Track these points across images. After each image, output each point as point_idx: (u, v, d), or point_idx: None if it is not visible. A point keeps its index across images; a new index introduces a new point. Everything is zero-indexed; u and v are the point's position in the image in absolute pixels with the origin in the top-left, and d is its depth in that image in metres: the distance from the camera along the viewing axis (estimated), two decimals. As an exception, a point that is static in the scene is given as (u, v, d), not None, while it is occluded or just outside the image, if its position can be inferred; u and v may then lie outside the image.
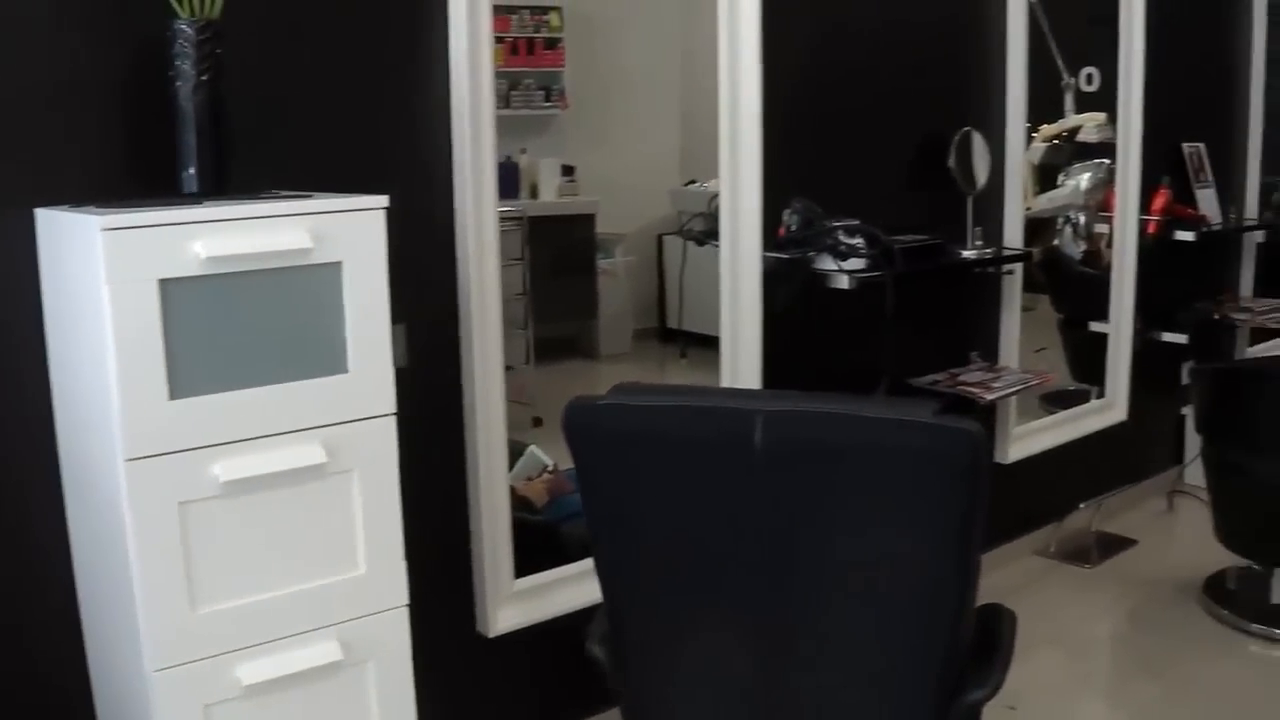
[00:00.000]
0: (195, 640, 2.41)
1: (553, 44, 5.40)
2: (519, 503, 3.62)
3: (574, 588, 3.51)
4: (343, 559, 2.58)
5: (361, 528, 2.59)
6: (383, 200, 2.52)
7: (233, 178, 2.59)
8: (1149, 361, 5.83)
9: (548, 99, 5.44)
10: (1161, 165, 5.75)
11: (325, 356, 2.49)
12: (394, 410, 2.60)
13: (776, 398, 2.52)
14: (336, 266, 2.47)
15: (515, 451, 3.82)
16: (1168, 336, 5.86)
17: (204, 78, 2.51)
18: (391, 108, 3.11)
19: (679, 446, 2.47)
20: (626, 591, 2.65)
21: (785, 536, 2.44)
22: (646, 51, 4.99)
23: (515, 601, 3.45)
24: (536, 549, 3.53)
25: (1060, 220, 5.87)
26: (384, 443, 2.59)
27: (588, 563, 3.25)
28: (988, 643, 2.68)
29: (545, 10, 5.37)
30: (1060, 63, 5.65)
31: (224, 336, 2.36)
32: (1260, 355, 6.62)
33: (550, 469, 3.81)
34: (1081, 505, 5.62)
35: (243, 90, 2.66)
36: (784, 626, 2.53)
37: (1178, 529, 5.94)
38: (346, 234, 2.47)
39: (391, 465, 2.61)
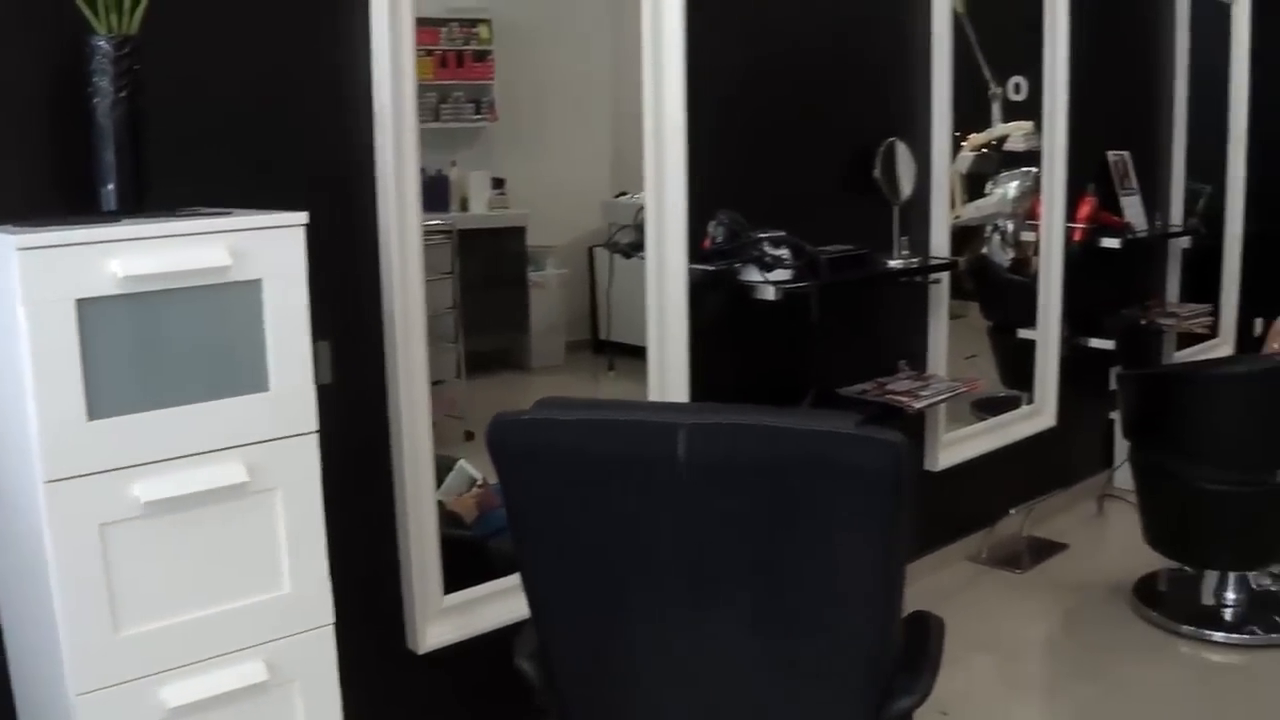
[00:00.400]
0: (118, 663, 2.39)
1: (482, 56, 5.37)
2: (448, 518, 3.61)
3: (504, 602, 3.49)
4: (267, 578, 2.56)
5: (285, 546, 2.57)
6: (302, 217, 2.50)
7: (153, 194, 2.57)
8: (1077, 367, 5.88)
9: (478, 111, 5.41)
10: (1087, 173, 5.80)
11: (246, 375, 2.47)
12: (316, 428, 2.58)
13: (700, 411, 2.52)
14: (256, 284, 2.45)
15: (445, 466, 3.81)
16: (1095, 343, 5.91)
17: (122, 94, 2.49)
18: (314, 122, 3.09)
19: (603, 461, 2.46)
20: (553, 607, 2.64)
21: (711, 549, 2.44)
22: (577, 63, 4.98)
23: (445, 617, 3.44)
24: (466, 564, 3.52)
25: (988, 228, 5.91)
26: (307, 460, 2.58)
27: (517, 577, 3.23)
28: (917, 650, 2.68)
29: (474, 23, 5.34)
30: (987, 72, 5.68)
31: (143, 356, 2.35)
32: (1187, 360, 6.69)
33: (479, 483, 3.80)
34: (1012, 511, 5.66)
35: (163, 106, 2.64)
36: (711, 640, 2.53)
37: (1108, 532, 5.99)
38: (266, 251, 2.46)
39: (314, 483, 2.59)
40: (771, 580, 2.46)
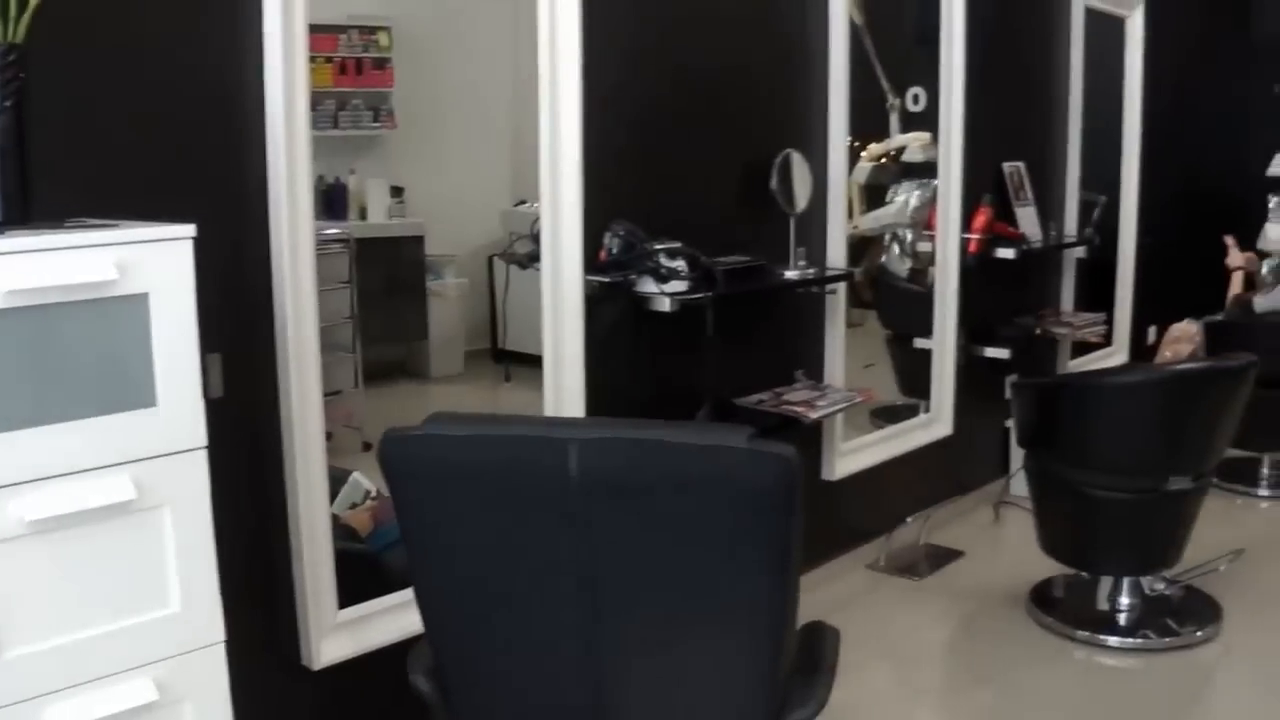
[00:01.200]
0: (2, 685, 2.34)
1: (381, 64, 5.34)
2: (343, 531, 3.58)
3: (400, 617, 3.45)
4: (155, 597, 2.52)
5: (174, 564, 2.52)
6: (189, 230, 2.46)
7: (38, 206, 2.52)
8: (973, 376, 5.94)
9: (376, 119, 5.38)
10: (983, 184, 5.86)
11: (133, 390, 2.42)
12: (205, 443, 2.54)
13: (593, 425, 2.53)
14: (143, 298, 2.41)
15: (341, 478, 3.78)
16: (991, 352, 5.97)
17: (7, 103, 2.44)
18: (204, 131, 3.05)
19: (495, 476, 2.45)
20: (447, 622, 2.63)
21: (604, 565, 2.44)
22: (477, 71, 4.96)
23: (340, 632, 3.40)
24: (362, 578, 3.49)
25: (887, 238, 5.96)
26: (195, 477, 2.53)
27: (409, 592, 3.21)
28: (811, 661, 2.70)
29: (374, 30, 5.31)
30: (885, 84, 5.73)
31: (26, 370, 2.29)
32: (1081, 368, 6.77)
33: (373, 495, 3.77)
34: (909, 519, 5.71)
35: (49, 115, 2.59)
36: (605, 656, 2.52)
37: (1004, 539, 6.06)
38: (153, 264, 2.42)
39: (204, 500, 2.55)
40: (665, 595, 2.47)
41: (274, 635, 3.33)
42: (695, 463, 2.36)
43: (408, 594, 3.40)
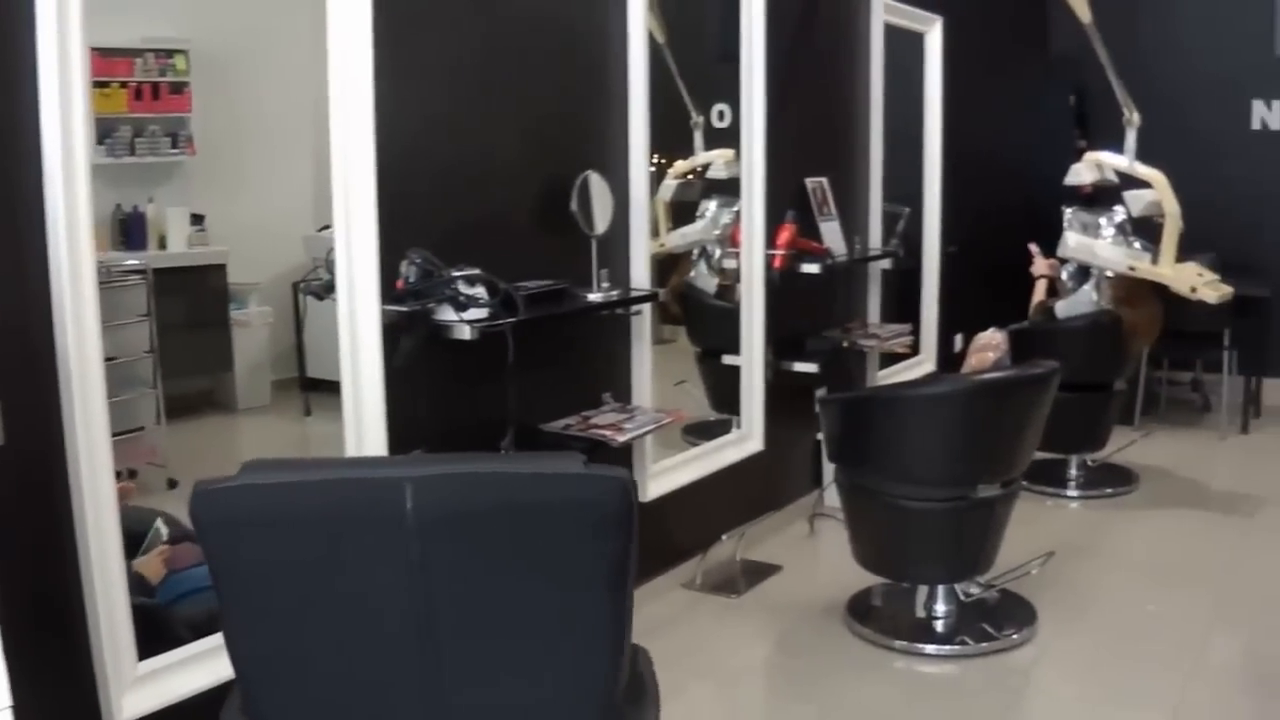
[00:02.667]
0: None
1: (179, 88, 5.22)
2: (134, 581, 3.45)
3: (203, 666, 3.35)
4: (-71, 659, 2.42)
5: (-53, 624, 2.43)
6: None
7: None
8: (783, 391, 5.98)
9: (175, 145, 5.26)
10: (787, 200, 5.90)
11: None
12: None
13: (424, 462, 2.49)
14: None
15: (148, 519, 3.66)
16: (799, 366, 6.02)
17: None
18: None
19: (322, 525, 2.37)
20: (269, 679, 2.51)
21: (442, 609, 2.40)
22: (278, 94, 4.88)
23: (141, 686, 3.27)
24: (157, 628, 3.38)
25: (695, 254, 5.98)
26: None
27: (217, 639, 3.12)
28: (636, 685, 2.73)
29: (171, 54, 5.19)
30: (689, 101, 5.75)
31: None
32: (890, 379, 6.86)
33: (165, 541, 3.65)
34: (725, 536, 5.71)
35: None
36: (444, 695, 2.48)
37: (821, 552, 6.10)
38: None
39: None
40: (506, 632, 2.45)
41: (70, 694, 3.18)
42: (533, 492, 2.39)
43: (210, 643, 3.34)
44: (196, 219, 5.13)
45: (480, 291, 3.84)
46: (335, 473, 2.48)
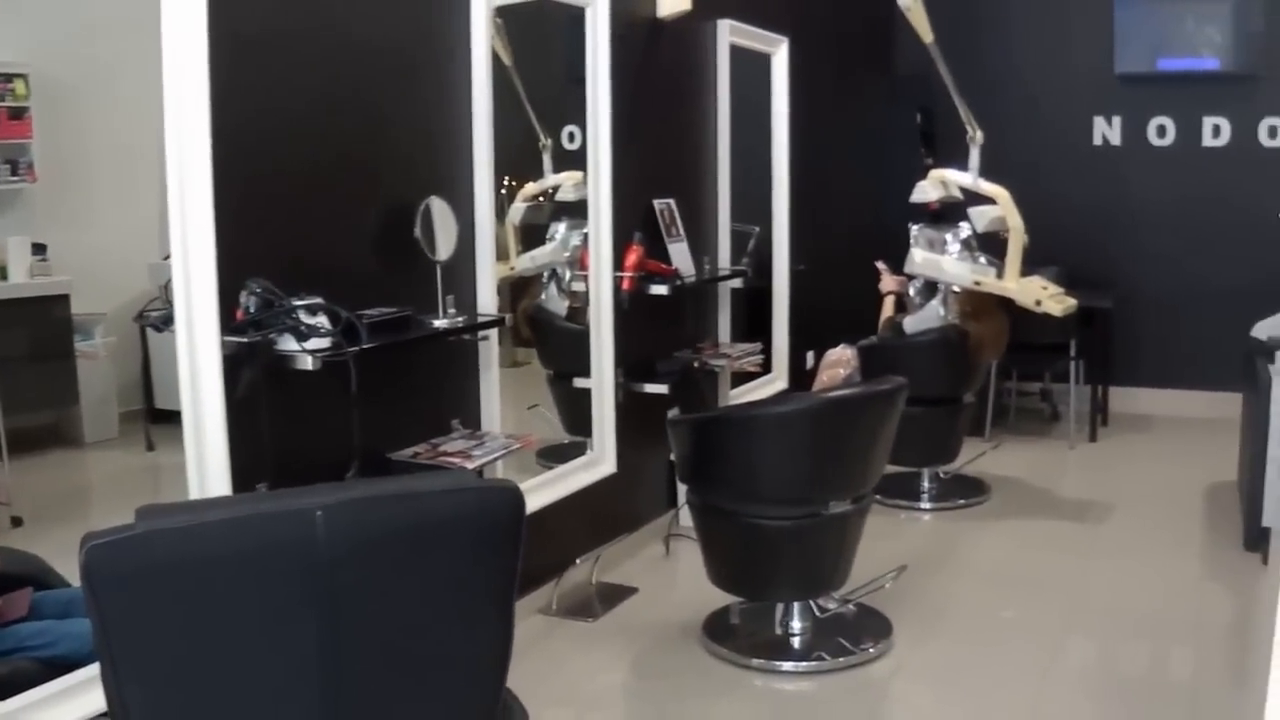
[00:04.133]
0: None
1: (19, 113, 5.12)
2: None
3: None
4: None
5: None
6: None
7: None
8: (635, 413, 5.99)
9: (15, 173, 5.16)
10: (634, 222, 5.92)
11: None
12: None
13: (331, 490, 2.46)
14: None
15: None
16: (650, 388, 6.04)
17: None
18: None
19: (232, 563, 2.30)
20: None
21: (347, 635, 2.40)
22: (122, 119, 4.81)
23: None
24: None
25: (545, 276, 6.00)
26: None
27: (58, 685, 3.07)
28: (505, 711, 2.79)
29: (9, 78, 5.09)
30: (536, 123, 5.77)
31: None
32: (743, 398, 6.91)
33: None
34: (579, 559, 5.72)
35: None
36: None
37: (677, 572, 6.13)
38: None
39: None
40: (406, 654, 2.47)
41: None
42: (438, 508, 2.47)
43: (55, 687, 3.26)
44: (38, 248, 5.04)
45: (322, 321, 3.82)
46: (238, 510, 2.47)
